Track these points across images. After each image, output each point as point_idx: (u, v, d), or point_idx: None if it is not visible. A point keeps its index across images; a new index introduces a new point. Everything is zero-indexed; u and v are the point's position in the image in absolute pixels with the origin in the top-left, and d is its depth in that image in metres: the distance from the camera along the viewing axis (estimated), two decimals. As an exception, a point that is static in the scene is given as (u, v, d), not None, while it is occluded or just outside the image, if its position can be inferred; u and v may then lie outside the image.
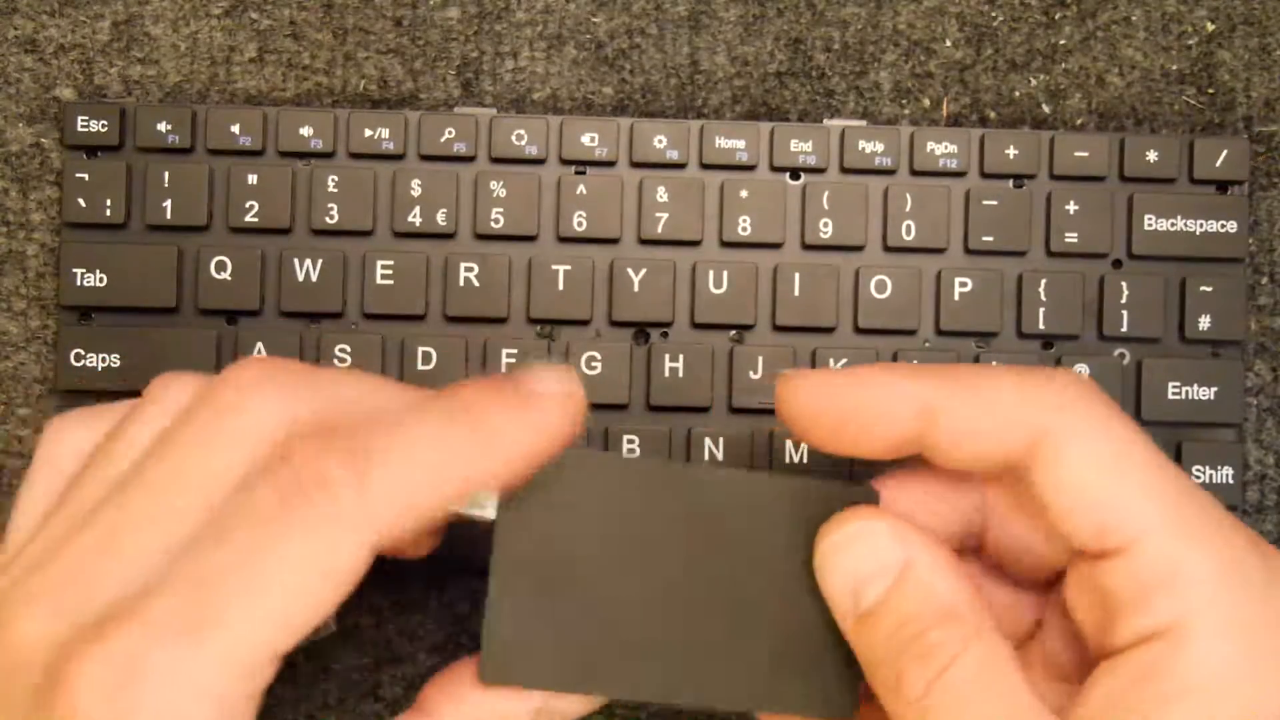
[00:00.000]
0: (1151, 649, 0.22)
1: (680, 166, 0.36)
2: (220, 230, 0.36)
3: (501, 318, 0.35)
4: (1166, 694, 0.22)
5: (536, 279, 0.35)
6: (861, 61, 0.38)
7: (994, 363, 0.36)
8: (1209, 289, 0.36)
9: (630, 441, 0.35)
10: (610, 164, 0.36)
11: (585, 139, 0.36)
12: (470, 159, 0.36)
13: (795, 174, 0.36)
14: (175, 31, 0.37)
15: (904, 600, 0.24)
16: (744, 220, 0.36)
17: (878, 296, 0.36)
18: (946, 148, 0.36)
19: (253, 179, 0.35)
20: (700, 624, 0.25)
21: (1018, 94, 0.38)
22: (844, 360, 0.35)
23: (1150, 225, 0.36)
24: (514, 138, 0.36)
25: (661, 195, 0.36)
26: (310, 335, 0.35)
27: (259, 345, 0.35)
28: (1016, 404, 0.24)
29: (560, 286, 0.35)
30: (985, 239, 0.36)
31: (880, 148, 0.36)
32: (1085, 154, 0.36)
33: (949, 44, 0.38)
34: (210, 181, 0.35)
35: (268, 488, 0.21)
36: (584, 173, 0.36)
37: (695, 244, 0.36)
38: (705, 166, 0.36)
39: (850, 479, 0.35)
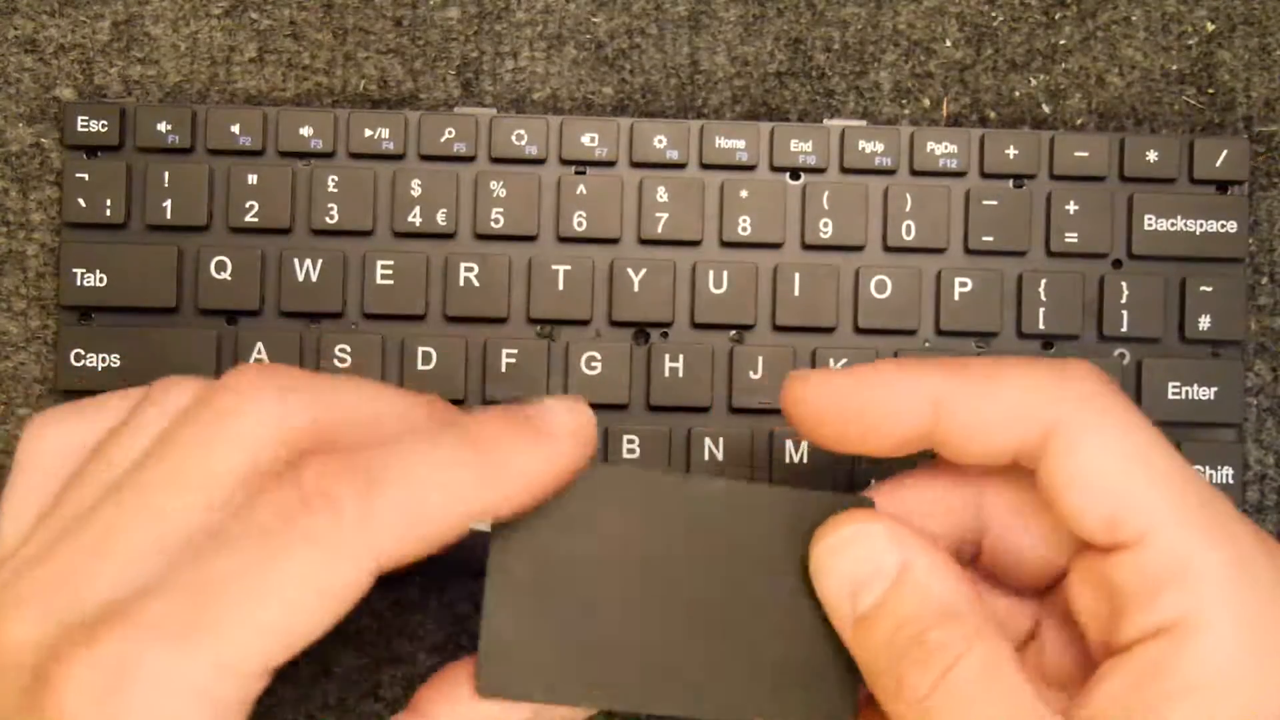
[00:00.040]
0: (1159, 645, 0.22)
1: (680, 166, 0.36)
2: (220, 230, 0.36)
3: (501, 318, 0.35)
4: (1174, 690, 0.22)
5: (536, 279, 0.35)
6: (861, 61, 0.38)
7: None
8: (1209, 289, 0.36)
9: (630, 442, 0.35)
10: (610, 164, 0.36)
11: (585, 139, 0.36)
12: (470, 159, 0.36)
13: (795, 174, 0.36)
14: (175, 31, 0.37)
15: (903, 602, 0.24)
16: (744, 220, 0.36)
17: (878, 296, 0.36)
18: (946, 148, 0.36)
19: (253, 179, 0.35)
20: (696, 634, 0.25)
21: (1018, 94, 0.38)
22: (844, 360, 0.35)
23: (1150, 225, 0.36)
24: (514, 138, 0.36)
25: (661, 195, 0.36)
26: (310, 335, 0.35)
27: (259, 345, 0.35)
28: (1030, 396, 0.24)
29: (560, 286, 0.35)
30: (985, 239, 0.36)
31: (880, 148, 0.36)
32: (1085, 154, 0.36)
33: (949, 44, 0.38)
34: (210, 181, 0.35)
35: (273, 502, 0.21)
36: (584, 173, 0.36)
37: (695, 244, 0.36)
38: (705, 166, 0.36)
39: (850, 479, 0.35)
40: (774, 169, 0.36)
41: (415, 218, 0.36)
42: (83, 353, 0.35)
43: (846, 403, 0.25)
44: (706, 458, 0.35)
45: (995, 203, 0.36)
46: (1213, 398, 0.36)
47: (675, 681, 0.24)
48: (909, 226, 0.36)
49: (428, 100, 0.38)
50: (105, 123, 0.35)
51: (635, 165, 0.36)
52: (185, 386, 0.24)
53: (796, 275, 0.36)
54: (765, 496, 0.25)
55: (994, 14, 0.38)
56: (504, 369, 0.35)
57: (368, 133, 0.36)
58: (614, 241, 0.36)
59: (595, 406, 0.35)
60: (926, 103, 0.38)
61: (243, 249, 0.35)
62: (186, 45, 0.37)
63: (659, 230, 0.36)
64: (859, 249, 0.36)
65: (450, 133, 0.36)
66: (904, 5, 0.38)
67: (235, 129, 0.36)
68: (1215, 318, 0.36)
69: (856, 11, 0.38)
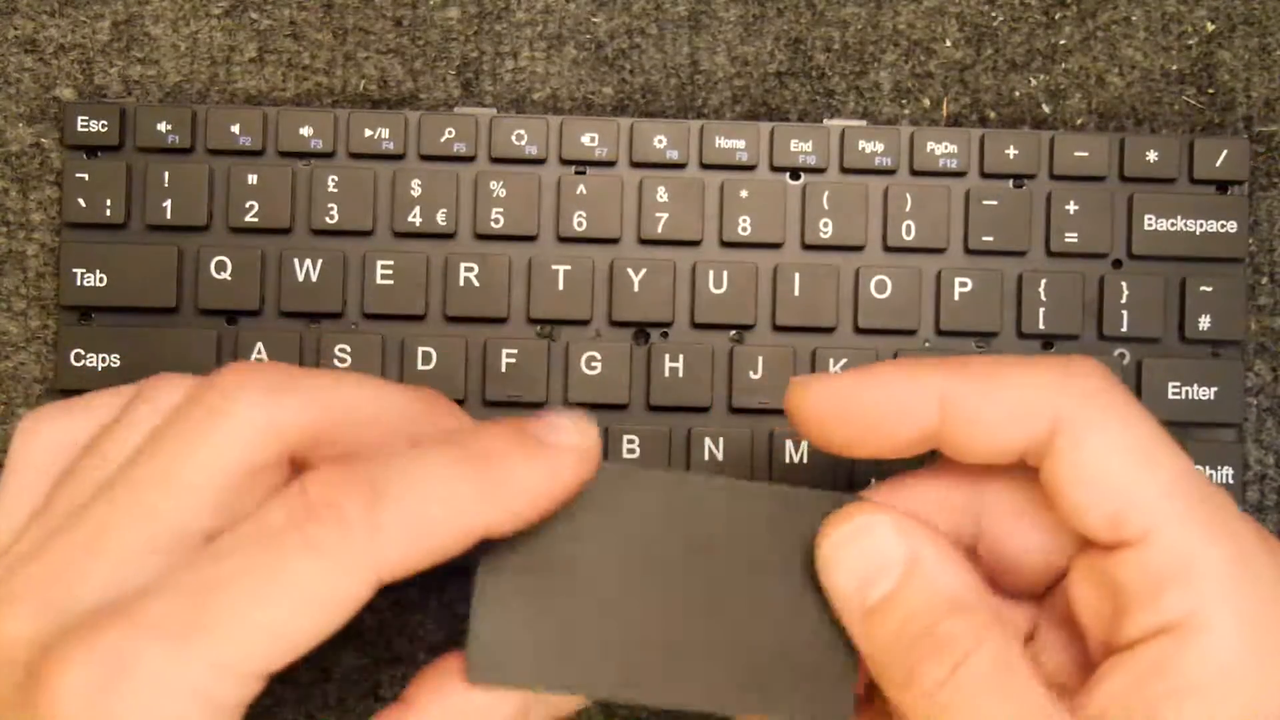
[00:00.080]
0: (1161, 644, 0.22)
1: (680, 166, 0.36)
2: (220, 230, 0.36)
3: (501, 318, 0.35)
4: (1177, 690, 0.22)
5: (536, 279, 0.35)
6: (861, 61, 0.38)
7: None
8: (1209, 289, 0.36)
9: (630, 441, 0.35)
10: (610, 164, 0.36)
11: (585, 139, 0.36)
12: (470, 159, 0.36)
13: (795, 174, 0.36)
14: (175, 31, 0.37)
15: (914, 593, 0.24)
16: (744, 220, 0.36)
17: (878, 296, 0.36)
18: (946, 148, 0.36)
19: (253, 179, 0.35)
20: (690, 626, 0.25)
21: (1018, 94, 0.38)
22: (844, 360, 0.35)
23: (1150, 225, 0.36)
24: (514, 138, 0.36)
25: (661, 195, 0.36)
26: (310, 335, 0.35)
27: (259, 345, 0.35)
28: (1035, 392, 0.24)
29: (560, 286, 0.35)
30: (985, 239, 0.36)
31: (880, 148, 0.36)
32: (1085, 154, 0.36)
33: (949, 44, 0.38)
34: (210, 181, 0.35)
35: (278, 508, 0.21)
36: (584, 173, 0.36)
37: (695, 244, 0.36)
38: (705, 166, 0.36)
39: (850, 479, 0.35)
40: (774, 169, 0.36)
41: (415, 218, 0.36)
42: (83, 353, 0.35)
43: (851, 406, 0.25)
44: (706, 458, 0.35)
45: (995, 203, 0.36)
46: (1213, 398, 0.36)
47: (669, 672, 0.24)
48: (909, 226, 0.36)
49: (428, 100, 0.38)
50: (105, 123, 0.35)
51: (635, 165, 0.36)
52: (177, 384, 0.24)
53: (796, 275, 0.36)
54: (760, 493, 0.25)
55: (994, 14, 0.38)
56: (504, 369, 0.35)
57: (368, 133, 0.36)
58: (614, 241, 0.36)
59: (595, 406, 0.35)
60: (926, 103, 0.38)
61: (243, 249, 0.35)
62: (186, 45, 0.37)
63: (659, 230, 0.36)
64: (859, 249, 0.36)
65: (450, 133, 0.36)
66: (904, 5, 0.38)
67: (235, 129, 0.36)
68: (1215, 318, 0.36)
69: (856, 11, 0.38)
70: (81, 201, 0.35)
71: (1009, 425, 0.24)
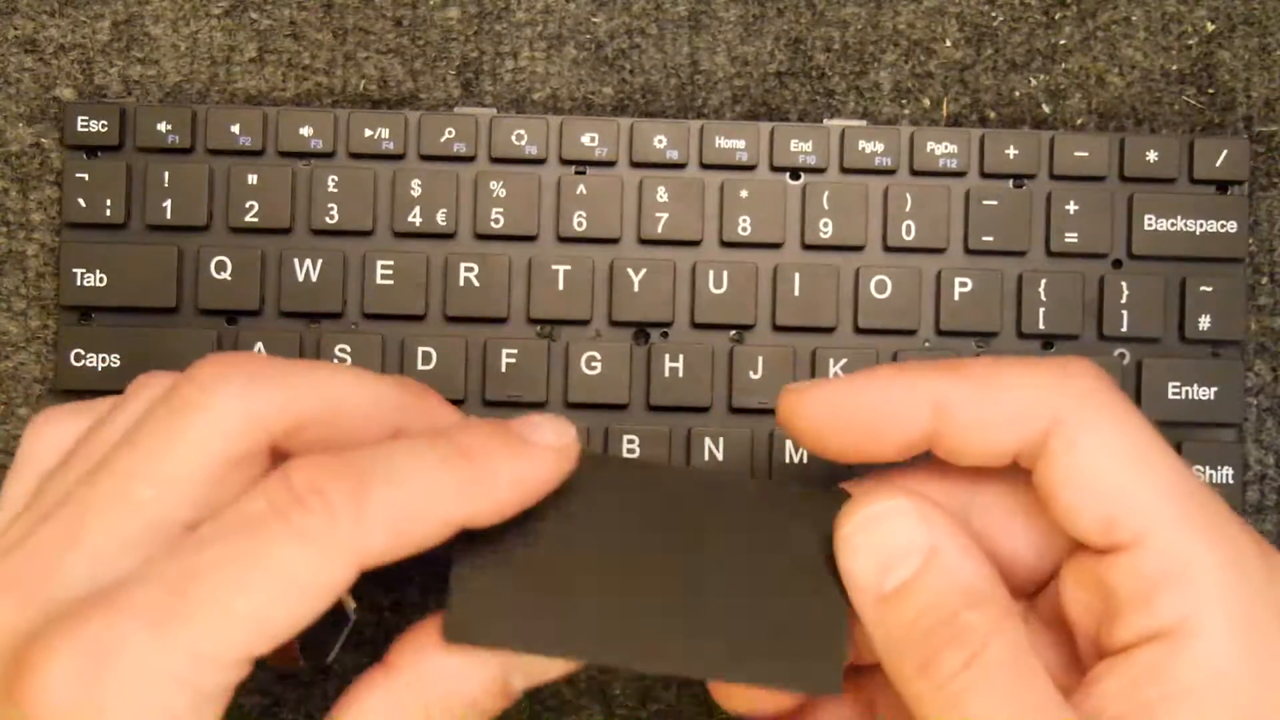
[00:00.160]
0: (1155, 649, 0.22)
1: (680, 166, 0.36)
2: (220, 230, 0.36)
3: (501, 318, 0.35)
4: (1171, 695, 0.22)
5: (536, 279, 0.35)
6: (861, 61, 0.38)
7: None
8: (1209, 289, 0.36)
9: (630, 441, 0.35)
10: (610, 164, 0.36)
11: (585, 139, 0.36)
12: (470, 159, 0.36)
13: (795, 174, 0.36)
14: (175, 31, 0.37)
15: (933, 581, 0.23)
16: (744, 220, 0.36)
17: (878, 296, 0.36)
18: (946, 148, 0.36)
19: (253, 179, 0.35)
20: (672, 596, 0.24)
21: (1018, 94, 0.38)
22: (844, 360, 0.35)
23: (1150, 225, 0.36)
24: (514, 138, 0.36)
25: (661, 195, 0.36)
26: (310, 335, 0.35)
27: (259, 345, 0.35)
28: (1030, 394, 0.24)
29: (560, 286, 0.35)
30: (985, 239, 0.36)
31: (880, 148, 0.36)
32: (1085, 154, 0.36)
33: (949, 44, 0.38)
34: (210, 181, 0.36)
35: (261, 496, 0.22)
36: (584, 173, 0.36)
37: (695, 244, 0.36)
38: (705, 166, 0.36)
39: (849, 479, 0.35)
40: (774, 169, 0.36)
41: (415, 218, 0.36)
42: (83, 353, 0.35)
43: (845, 411, 0.25)
44: (706, 458, 0.35)
45: (995, 203, 0.36)
46: (1213, 398, 0.36)
47: (653, 638, 0.24)
48: (909, 226, 0.36)
49: (428, 100, 0.38)
50: (105, 123, 0.35)
51: (635, 165, 0.36)
52: (161, 380, 0.25)
53: (796, 275, 0.36)
54: (744, 485, 0.26)
55: (994, 14, 0.38)
56: (504, 369, 0.35)
57: (368, 133, 0.36)
58: (614, 241, 0.36)
59: (595, 406, 0.35)
60: (926, 103, 0.38)
61: (243, 249, 0.35)
62: (186, 45, 0.37)
63: (659, 230, 0.36)
64: (859, 249, 0.36)
65: (450, 133, 0.36)
66: (904, 5, 0.38)
67: (235, 129, 0.36)
68: (1215, 318, 0.36)
69: (856, 11, 0.38)
70: (81, 201, 0.35)
71: (1003, 428, 0.24)
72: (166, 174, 0.35)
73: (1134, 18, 0.38)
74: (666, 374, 0.35)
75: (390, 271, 0.35)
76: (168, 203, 0.35)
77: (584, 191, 0.36)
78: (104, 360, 0.35)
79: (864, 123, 0.36)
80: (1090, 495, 0.23)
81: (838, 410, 0.25)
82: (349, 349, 0.35)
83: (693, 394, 0.35)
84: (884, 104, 0.38)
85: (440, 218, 0.36)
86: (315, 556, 0.21)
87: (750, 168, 0.36)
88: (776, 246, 0.36)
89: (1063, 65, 0.38)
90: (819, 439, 0.25)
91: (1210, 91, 0.38)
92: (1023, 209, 0.36)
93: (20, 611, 0.21)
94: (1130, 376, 0.36)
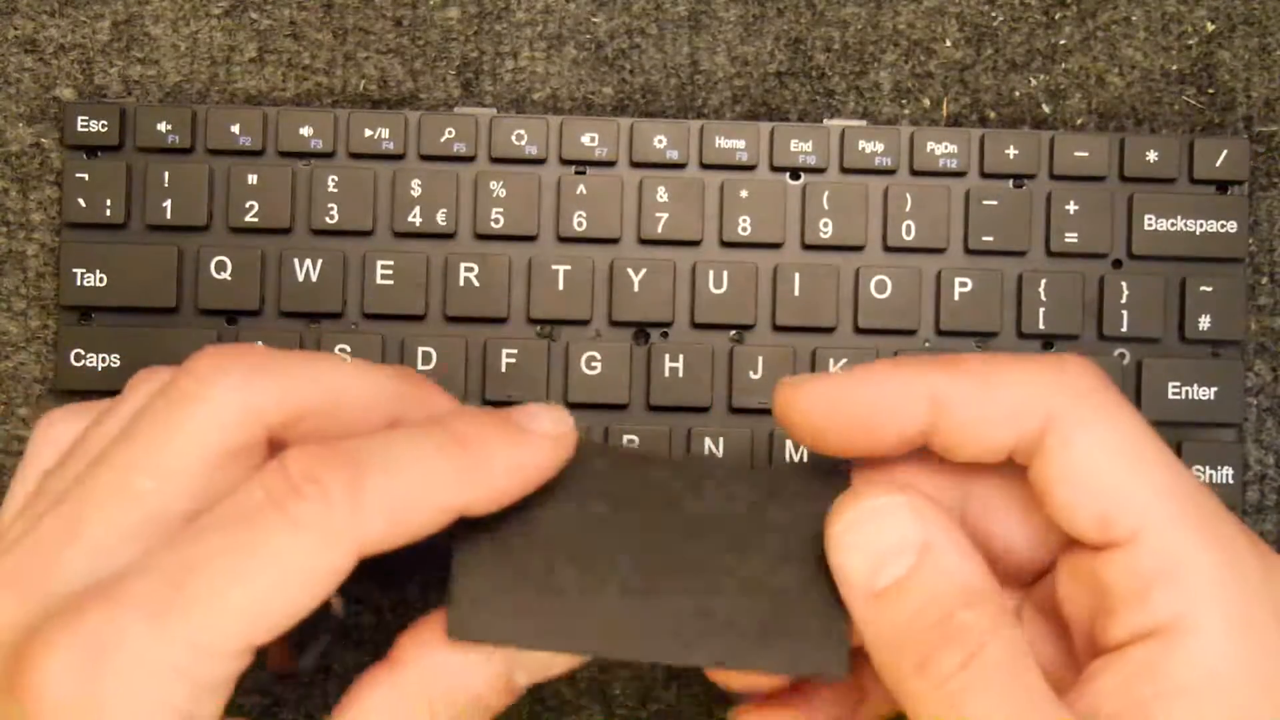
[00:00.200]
0: (1150, 647, 0.22)
1: (680, 166, 0.36)
2: (220, 230, 0.36)
3: (501, 318, 0.35)
4: (1166, 692, 0.22)
5: (536, 279, 0.35)
6: (861, 61, 0.38)
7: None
8: (1209, 289, 0.36)
9: (630, 441, 0.35)
10: (610, 164, 0.36)
11: (585, 139, 0.36)
12: (470, 159, 0.36)
13: (795, 174, 0.36)
14: (175, 31, 0.37)
15: (928, 580, 0.23)
16: (744, 220, 0.36)
17: (878, 296, 0.36)
18: (946, 148, 0.36)
19: (253, 179, 0.35)
20: (673, 587, 0.24)
21: (1018, 94, 0.38)
22: (844, 360, 0.35)
23: (1150, 225, 0.36)
24: (514, 138, 0.36)
25: (661, 195, 0.36)
26: (310, 335, 0.35)
27: (259, 345, 0.35)
28: (1027, 391, 0.24)
29: (560, 286, 0.35)
30: (985, 239, 0.36)
31: (880, 148, 0.36)
32: (1085, 154, 0.36)
33: (949, 44, 0.38)
34: (210, 181, 0.36)
35: (258, 486, 0.22)
36: (584, 173, 0.36)
37: (695, 244, 0.36)
38: (705, 166, 0.36)
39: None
40: (774, 169, 0.36)
41: (415, 218, 0.36)
42: (83, 353, 0.35)
43: (842, 406, 0.25)
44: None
45: (995, 203, 0.36)
46: (1213, 398, 0.36)
47: (657, 629, 0.24)
48: (909, 226, 0.36)
49: (428, 100, 0.38)
50: (105, 123, 0.35)
51: (635, 165, 0.36)
52: (159, 375, 0.25)
53: (796, 275, 0.36)
54: (745, 469, 0.26)
55: (994, 14, 0.38)
56: (504, 369, 0.35)
57: (368, 133, 0.36)
58: (614, 241, 0.36)
59: (595, 406, 0.35)
60: (926, 103, 0.38)
61: (243, 249, 0.35)
62: (186, 45, 0.37)
63: (659, 230, 0.36)
64: (859, 249, 0.36)
65: (450, 133, 0.36)
66: (904, 5, 0.38)
67: (235, 129, 0.36)
68: (1215, 318, 0.36)
69: (856, 11, 0.38)
70: (81, 201, 0.35)
71: (1000, 424, 0.24)
72: (166, 174, 0.35)
73: (1134, 18, 0.38)
74: (666, 374, 0.35)
75: (390, 271, 0.35)
76: (168, 203, 0.35)
77: (584, 191, 0.36)
78: (104, 360, 0.35)
79: (864, 123, 0.36)
80: (1086, 492, 0.23)
81: (834, 404, 0.25)
82: (349, 349, 0.35)
83: (693, 394, 0.35)
84: (884, 104, 0.38)
85: (440, 218, 0.36)
86: (313, 545, 0.21)
87: (750, 168, 0.36)
88: (776, 246, 0.36)
89: (1063, 65, 0.38)
90: (815, 433, 0.25)
91: (1210, 91, 0.38)
92: (1023, 209, 0.36)
93: (20, 606, 0.21)
94: (1130, 376, 0.36)
